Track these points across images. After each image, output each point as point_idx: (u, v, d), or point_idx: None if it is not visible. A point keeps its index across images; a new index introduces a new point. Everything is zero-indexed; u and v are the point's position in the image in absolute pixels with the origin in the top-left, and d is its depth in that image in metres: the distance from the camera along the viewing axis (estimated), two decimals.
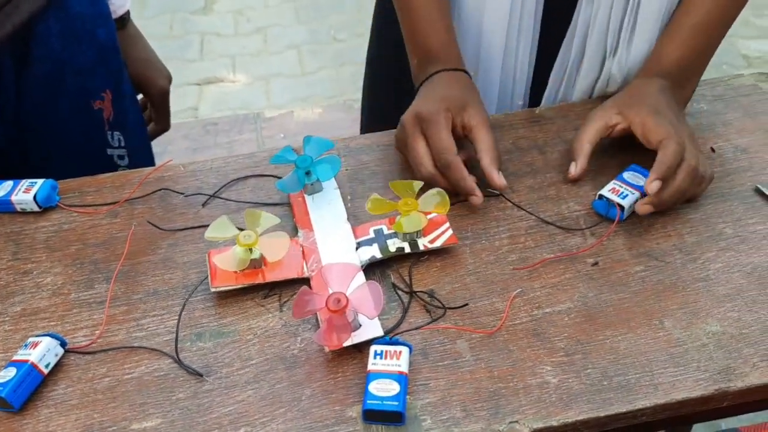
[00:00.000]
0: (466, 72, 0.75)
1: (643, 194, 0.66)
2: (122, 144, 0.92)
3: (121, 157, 0.92)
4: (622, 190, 0.67)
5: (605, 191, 0.67)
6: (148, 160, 0.98)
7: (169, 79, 1.00)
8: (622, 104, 0.71)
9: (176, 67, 2.52)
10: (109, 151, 0.90)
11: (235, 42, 2.65)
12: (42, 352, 0.56)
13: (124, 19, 0.93)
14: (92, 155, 0.89)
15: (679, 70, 0.73)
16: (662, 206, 0.66)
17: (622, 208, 0.66)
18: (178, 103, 2.32)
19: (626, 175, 0.69)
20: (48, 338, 0.57)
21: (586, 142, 0.69)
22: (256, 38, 2.67)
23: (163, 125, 1.02)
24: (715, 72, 2.38)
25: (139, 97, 0.98)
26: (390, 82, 0.94)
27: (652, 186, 0.63)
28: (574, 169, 0.69)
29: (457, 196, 0.69)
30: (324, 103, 2.19)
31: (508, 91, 0.84)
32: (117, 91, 0.90)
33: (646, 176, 0.66)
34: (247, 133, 1.90)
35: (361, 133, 1.06)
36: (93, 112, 0.88)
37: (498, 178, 0.67)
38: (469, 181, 0.67)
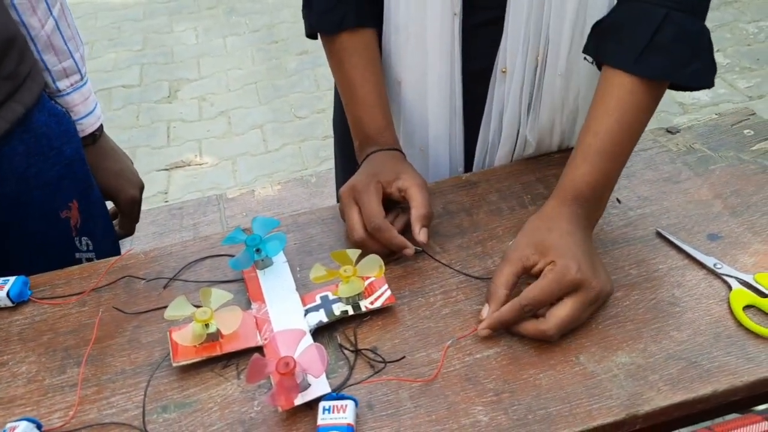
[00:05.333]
0: (399, 150, 0.85)
1: None
2: (90, 248, 0.95)
3: (89, 260, 0.95)
4: None
5: None
6: None
7: (141, 188, 1.02)
8: (539, 244, 0.69)
9: (144, 154, 2.63)
10: (78, 255, 0.94)
11: (200, 126, 2.77)
12: None
13: (95, 136, 0.96)
14: (61, 259, 0.89)
15: (593, 192, 0.73)
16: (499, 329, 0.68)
17: None
18: (148, 188, 2.36)
19: None
20: (24, 422, 0.62)
21: (502, 287, 0.67)
22: (221, 121, 2.78)
23: (127, 231, 1.04)
24: (653, 120, 2.54)
25: (110, 204, 1.01)
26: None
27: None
28: (486, 315, 0.68)
29: (392, 256, 0.76)
30: (289, 177, 2.29)
31: (455, 161, 0.95)
32: (85, 199, 0.93)
33: None
34: (210, 214, 1.99)
35: (337, 187, 1.16)
36: (60, 220, 0.91)
37: (418, 234, 0.75)
38: (399, 238, 0.75)
